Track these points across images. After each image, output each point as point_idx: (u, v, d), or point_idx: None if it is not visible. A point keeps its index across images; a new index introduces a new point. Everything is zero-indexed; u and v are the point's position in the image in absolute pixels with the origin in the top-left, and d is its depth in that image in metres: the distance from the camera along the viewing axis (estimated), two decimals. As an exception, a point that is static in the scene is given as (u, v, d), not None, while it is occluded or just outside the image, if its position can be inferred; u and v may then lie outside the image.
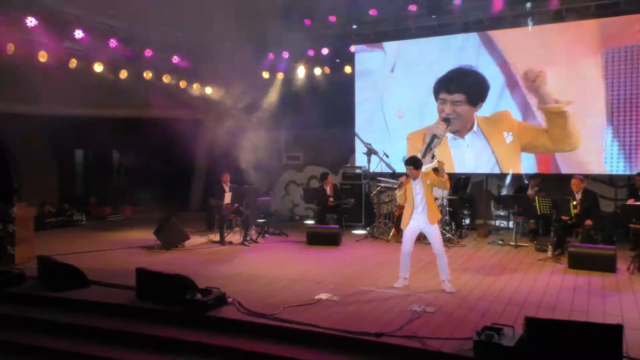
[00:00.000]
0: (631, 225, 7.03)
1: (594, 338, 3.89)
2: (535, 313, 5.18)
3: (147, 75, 11.06)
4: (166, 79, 11.42)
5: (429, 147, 10.73)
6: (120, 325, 5.35)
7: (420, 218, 6.05)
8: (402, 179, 6.20)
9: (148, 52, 10.61)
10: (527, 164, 10.31)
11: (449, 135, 10.75)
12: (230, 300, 5.51)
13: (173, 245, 8.71)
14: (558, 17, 9.66)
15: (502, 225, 10.71)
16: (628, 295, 5.83)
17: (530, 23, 9.92)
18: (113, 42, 10.01)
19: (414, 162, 6.04)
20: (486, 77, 10.47)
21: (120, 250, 8.64)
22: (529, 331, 4.05)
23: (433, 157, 10.34)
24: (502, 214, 10.73)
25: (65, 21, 9.26)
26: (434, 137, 10.77)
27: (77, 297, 5.97)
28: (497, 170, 10.56)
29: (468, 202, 10.81)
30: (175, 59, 11.28)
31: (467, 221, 10.86)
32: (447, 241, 9.00)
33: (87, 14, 9.52)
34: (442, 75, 10.79)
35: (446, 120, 10.70)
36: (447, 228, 9.51)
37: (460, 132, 10.72)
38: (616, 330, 3.85)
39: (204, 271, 7.03)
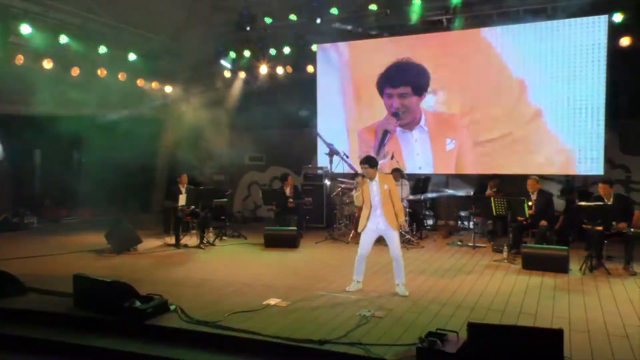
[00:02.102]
0: (583, 225, 7.07)
1: (535, 342, 3.82)
2: (485, 316, 5.13)
3: (102, 72, 10.68)
4: (122, 76, 11.06)
5: (382, 143, 10.78)
6: (56, 335, 5.06)
7: (380, 221, 5.87)
8: (359, 179, 5.98)
9: (102, 49, 10.24)
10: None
11: (398, 129, 10.80)
12: (173, 307, 5.29)
13: (124, 249, 8.40)
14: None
15: (463, 225, 10.71)
16: (578, 296, 5.83)
17: None
18: (63, 38, 9.61)
19: (369, 161, 5.87)
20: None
21: (69, 255, 8.28)
22: (471, 337, 3.96)
23: (386, 153, 10.45)
24: (463, 214, 10.74)
25: (11, 15, 8.84)
26: (386, 132, 10.81)
27: (11, 305, 5.63)
28: (429, 170, 10.59)
29: (430, 203, 10.80)
30: (132, 56, 10.93)
31: (430, 222, 10.86)
32: (406, 242, 8.96)
33: (35, 7, 9.14)
34: (383, 71, 10.85)
35: (395, 115, 10.75)
36: (408, 229, 9.45)
37: (409, 126, 10.73)
38: (557, 335, 3.79)
39: (151, 276, 6.78)
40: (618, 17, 9.01)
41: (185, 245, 8.98)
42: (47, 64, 9.73)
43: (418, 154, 10.70)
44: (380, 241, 6.31)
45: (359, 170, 6.19)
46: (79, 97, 10.70)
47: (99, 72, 10.62)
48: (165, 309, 5.21)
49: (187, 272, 7.18)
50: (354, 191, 6.08)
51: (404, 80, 10.70)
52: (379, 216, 5.85)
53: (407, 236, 9.16)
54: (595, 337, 4.53)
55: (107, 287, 5.16)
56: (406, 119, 10.74)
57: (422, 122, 10.63)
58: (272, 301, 5.62)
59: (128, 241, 8.49)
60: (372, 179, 5.86)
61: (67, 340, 4.94)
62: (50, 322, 5.30)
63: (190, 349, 4.64)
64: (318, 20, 10.19)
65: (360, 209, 9.27)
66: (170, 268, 7.39)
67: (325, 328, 4.77)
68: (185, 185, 9.38)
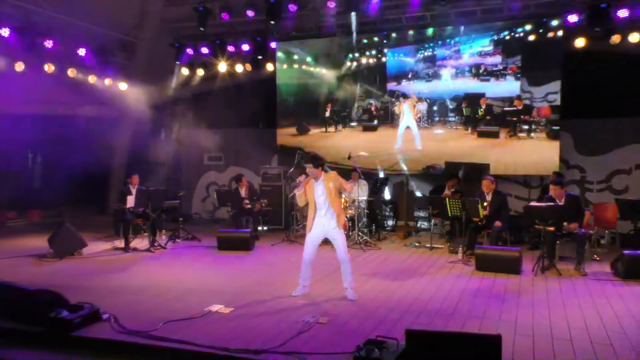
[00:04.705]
0: (535, 226, 7.03)
1: (473, 349, 3.69)
2: (431, 321, 4.99)
3: (49, 68, 10.19)
4: (72, 73, 10.59)
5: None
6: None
7: (325, 222, 5.67)
8: (301, 178, 5.74)
9: (48, 43, 9.76)
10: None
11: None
12: (105, 316, 4.98)
13: (67, 254, 7.98)
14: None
15: (422, 226, 10.62)
16: (527, 298, 5.75)
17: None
18: (6, 31, 9.11)
19: (312, 160, 5.66)
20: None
21: (6, 260, 7.80)
22: (409, 344, 3.81)
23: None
24: (423, 215, 10.64)
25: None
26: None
27: None
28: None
29: (390, 204, 10.67)
30: (82, 52, 10.47)
31: (390, 222, 10.72)
32: (364, 244, 8.80)
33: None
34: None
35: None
36: (365, 230, 9.31)
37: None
38: (494, 341, 3.67)
39: (90, 282, 6.43)
40: (573, 18, 9.07)
41: (135, 249, 8.62)
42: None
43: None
44: (330, 242, 6.09)
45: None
46: (30, 95, 10.22)
47: (45, 67, 10.14)
48: (96, 318, 4.89)
49: (130, 277, 6.85)
50: (295, 190, 5.83)
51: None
52: (324, 217, 5.64)
53: (365, 237, 9.02)
54: (540, 341, 4.44)
55: (30, 295, 4.81)
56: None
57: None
58: (214, 307, 5.37)
59: (71, 245, 8.07)
60: (316, 179, 5.64)
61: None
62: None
63: (118, 361, 4.35)
64: (275, 18, 9.93)
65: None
66: (113, 273, 7.03)
67: (265, 336, 4.55)
68: (136, 186, 9.01)
